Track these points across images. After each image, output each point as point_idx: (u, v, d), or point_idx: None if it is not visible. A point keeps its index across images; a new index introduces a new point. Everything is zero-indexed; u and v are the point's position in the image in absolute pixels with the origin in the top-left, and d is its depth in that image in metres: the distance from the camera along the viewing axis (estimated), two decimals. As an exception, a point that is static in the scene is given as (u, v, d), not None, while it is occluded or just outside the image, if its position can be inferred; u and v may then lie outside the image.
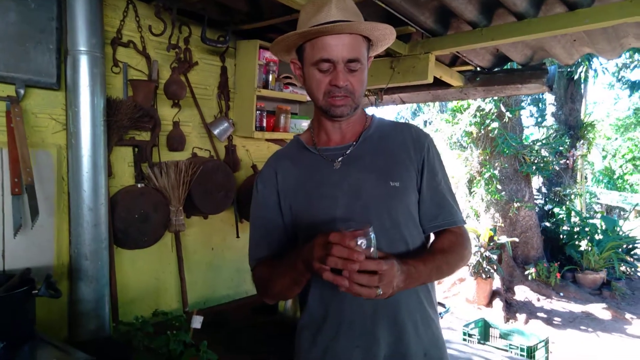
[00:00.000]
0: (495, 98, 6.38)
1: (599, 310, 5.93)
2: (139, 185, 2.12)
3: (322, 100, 1.15)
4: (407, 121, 5.79)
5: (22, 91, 1.73)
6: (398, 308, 1.14)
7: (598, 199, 9.11)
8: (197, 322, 1.67)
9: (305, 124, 2.78)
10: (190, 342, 1.56)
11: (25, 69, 1.73)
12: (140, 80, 2.12)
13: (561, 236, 7.44)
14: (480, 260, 5.98)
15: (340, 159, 1.20)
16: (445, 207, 1.21)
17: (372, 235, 0.94)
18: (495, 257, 6.04)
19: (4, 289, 1.48)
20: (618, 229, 7.25)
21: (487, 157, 6.96)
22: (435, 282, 1.28)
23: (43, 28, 1.77)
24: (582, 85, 8.04)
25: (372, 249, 0.94)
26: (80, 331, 1.87)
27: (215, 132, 2.45)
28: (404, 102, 3.72)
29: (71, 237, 1.88)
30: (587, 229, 7.11)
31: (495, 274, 6.09)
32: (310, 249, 1.00)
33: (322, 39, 1.10)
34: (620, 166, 10.14)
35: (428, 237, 1.26)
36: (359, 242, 0.92)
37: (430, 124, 8.97)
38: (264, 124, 2.59)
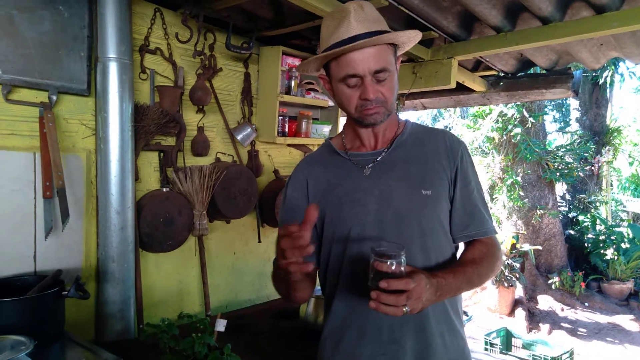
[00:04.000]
0: (518, 103, 6.29)
1: (626, 321, 5.76)
2: (164, 190, 2.16)
3: (355, 113, 1.15)
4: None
5: (54, 97, 1.79)
6: (426, 317, 1.12)
7: (624, 206, 8.85)
8: (221, 325, 1.69)
9: (326, 129, 2.79)
10: (215, 345, 1.57)
11: (58, 75, 1.79)
12: (167, 86, 2.16)
13: (586, 244, 7.26)
14: (503, 268, 5.87)
15: (370, 165, 1.19)
16: (477, 217, 1.19)
17: (403, 258, 0.95)
18: (517, 265, 5.93)
19: (36, 290, 1.53)
20: (646, 237, 7.04)
21: (510, 163, 6.86)
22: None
23: (75, 36, 1.83)
24: (608, 90, 7.86)
25: (401, 268, 0.95)
26: (107, 332, 1.90)
27: (239, 137, 2.47)
28: (425, 108, 3.70)
29: (99, 239, 1.92)
30: (613, 238, 6.92)
31: (517, 283, 5.98)
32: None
33: (345, 56, 1.09)
34: (648, 173, 9.86)
35: (457, 247, 1.25)
36: (388, 262, 0.94)
37: (450, 129, 8.89)
38: (286, 130, 2.61)
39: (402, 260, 0.95)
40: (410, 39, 1.16)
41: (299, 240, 0.94)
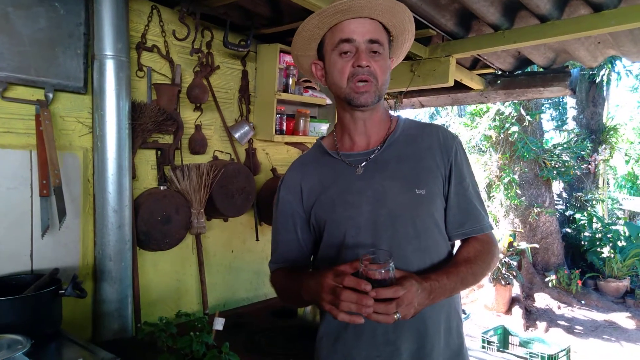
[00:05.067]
0: (516, 101, 6.30)
1: (623, 319, 5.79)
2: (161, 188, 2.15)
3: (346, 87, 1.12)
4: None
5: (51, 95, 1.78)
6: (422, 318, 1.11)
7: (621, 204, 8.89)
8: (219, 323, 1.68)
9: (324, 127, 2.79)
10: (212, 344, 1.57)
11: (54, 73, 1.77)
12: (164, 84, 2.15)
13: (582, 242, 7.29)
14: (500, 266, 5.89)
15: (363, 164, 1.18)
16: (472, 214, 1.18)
17: (392, 265, 0.95)
18: (514, 263, 5.95)
19: (33, 288, 1.52)
20: (642, 235, 7.07)
21: (507, 161, 6.88)
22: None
23: (71, 33, 1.81)
24: (605, 88, 7.89)
25: (390, 274, 0.95)
26: (104, 331, 1.89)
27: (236, 135, 2.47)
28: (423, 106, 3.70)
29: (96, 238, 1.91)
30: (609, 236, 6.96)
31: (514, 281, 6.00)
32: (319, 288, 0.99)
33: (341, 24, 1.11)
34: (644, 171, 9.90)
35: (453, 245, 1.23)
36: (377, 271, 0.94)
37: (448, 127, 8.90)
38: (284, 128, 2.60)
39: (391, 267, 0.95)
40: (404, 26, 1.17)
41: (367, 300, 0.91)
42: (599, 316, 5.93)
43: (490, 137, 6.90)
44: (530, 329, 5.62)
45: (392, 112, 1.30)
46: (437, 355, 1.15)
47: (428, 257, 1.14)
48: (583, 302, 6.32)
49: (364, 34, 1.10)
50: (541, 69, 3.15)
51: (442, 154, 1.17)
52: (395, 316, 0.93)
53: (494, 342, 4.60)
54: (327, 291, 0.97)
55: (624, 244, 6.87)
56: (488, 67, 3.16)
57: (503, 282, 5.94)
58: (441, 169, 1.16)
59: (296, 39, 1.18)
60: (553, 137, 9.21)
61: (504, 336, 4.75)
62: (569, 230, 7.53)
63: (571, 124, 8.41)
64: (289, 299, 1.26)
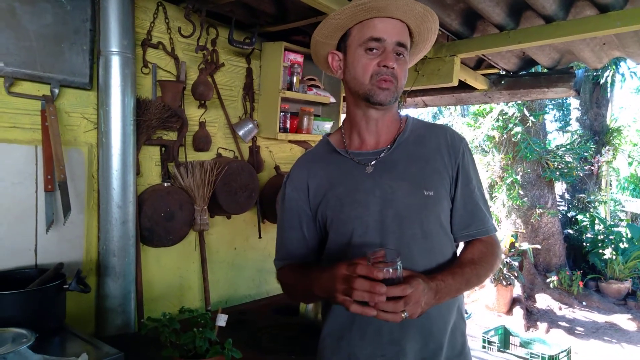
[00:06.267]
0: (519, 102, 6.29)
1: (624, 320, 5.79)
2: (165, 184, 2.16)
3: (368, 83, 1.12)
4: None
5: (56, 91, 1.78)
6: (427, 318, 1.11)
7: (623, 206, 8.86)
8: (222, 320, 1.68)
9: (327, 125, 2.79)
10: (215, 340, 1.57)
11: (60, 69, 1.78)
12: (169, 81, 2.15)
13: (584, 244, 7.28)
14: (501, 266, 5.89)
15: (373, 162, 1.17)
16: (478, 216, 1.18)
17: (399, 264, 0.96)
18: (516, 263, 5.95)
19: (37, 283, 1.53)
20: (644, 237, 7.06)
21: (510, 162, 6.87)
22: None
23: (77, 29, 1.82)
24: (609, 90, 7.86)
25: (397, 273, 0.95)
26: (107, 326, 1.90)
27: (240, 133, 2.47)
28: (427, 105, 3.70)
29: (100, 233, 1.92)
30: (611, 237, 6.94)
31: (515, 281, 6.00)
32: (332, 280, 1.00)
33: (372, 21, 1.11)
34: (647, 173, 9.86)
35: (458, 245, 1.24)
36: (384, 269, 0.94)
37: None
38: (288, 126, 2.61)
39: (399, 266, 0.95)
40: (427, 34, 1.19)
41: (380, 288, 0.91)
42: (600, 317, 5.93)
43: (493, 137, 6.89)
44: (531, 329, 5.62)
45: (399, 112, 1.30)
46: (441, 355, 1.15)
47: (434, 258, 1.15)
48: (584, 303, 6.32)
49: (394, 36, 1.10)
50: (545, 70, 3.14)
51: (449, 156, 1.17)
52: (403, 315, 0.93)
53: (494, 342, 4.61)
54: (340, 281, 0.97)
55: (626, 245, 6.86)
56: (492, 67, 3.15)
57: (504, 283, 5.94)
58: (449, 170, 1.17)
59: (325, 25, 1.17)
60: (556, 138, 9.20)
61: (505, 336, 4.75)
62: (571, 231, 7.52)
63: (574, 125, 8.40)
64: (298, 295, 1.26)
